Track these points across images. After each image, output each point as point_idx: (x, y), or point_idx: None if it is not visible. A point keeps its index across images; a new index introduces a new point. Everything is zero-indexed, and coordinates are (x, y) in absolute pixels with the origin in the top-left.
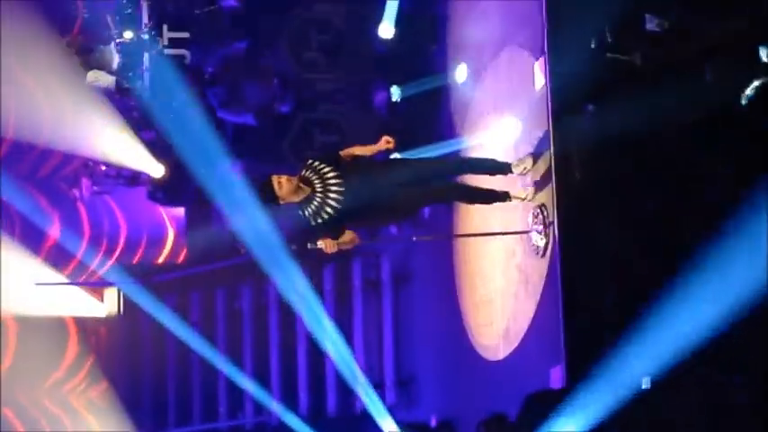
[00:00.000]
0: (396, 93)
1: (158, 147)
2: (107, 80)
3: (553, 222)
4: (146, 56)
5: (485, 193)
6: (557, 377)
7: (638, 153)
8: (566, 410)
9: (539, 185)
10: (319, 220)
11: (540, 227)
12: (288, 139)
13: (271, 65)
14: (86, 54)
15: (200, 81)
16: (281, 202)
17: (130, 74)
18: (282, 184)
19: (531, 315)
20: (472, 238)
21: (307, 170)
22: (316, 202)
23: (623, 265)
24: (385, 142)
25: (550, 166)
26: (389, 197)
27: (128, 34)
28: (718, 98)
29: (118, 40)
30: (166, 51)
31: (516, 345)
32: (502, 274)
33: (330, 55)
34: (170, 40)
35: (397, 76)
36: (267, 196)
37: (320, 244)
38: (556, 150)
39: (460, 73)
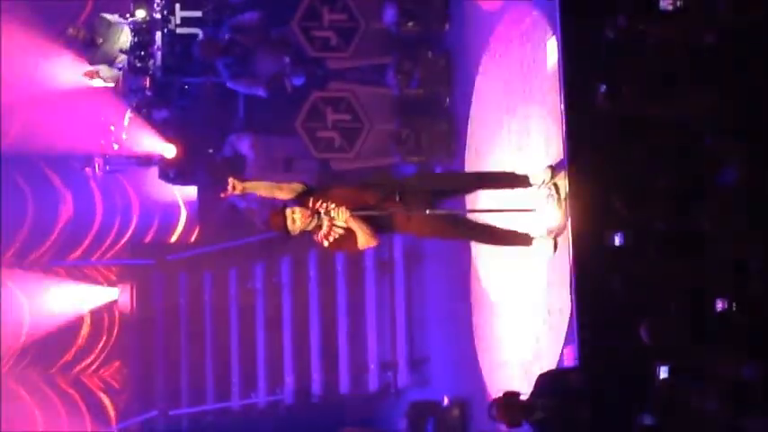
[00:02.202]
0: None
1: (171, 126)
2: (111, 75)
3: (566, 201)
4: (158, 35)
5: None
6: (570, 356)
7: (651, 133)
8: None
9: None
10: (331, 239)
11: (554, 205)
12: (300, 116)
13: (284, 35)
14: (90, 44)
15: (211, 51)
16: (294, 234)
17: (142, 53)
18: (296, 220)
19: (544, 294)
20: (485, 217)
21: (314, 201)
22: (325, 226)
23: (636, 242)
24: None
25: (563, 146)
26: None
27: (140, 13)
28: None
29: (130, 19)
30: (179, 30)
31: (528, 323)
32: (516, 252)
33: (342, 34)
34: (182, 19)
35: (408, 53)
36: (280, 228)
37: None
38: (568, 131)
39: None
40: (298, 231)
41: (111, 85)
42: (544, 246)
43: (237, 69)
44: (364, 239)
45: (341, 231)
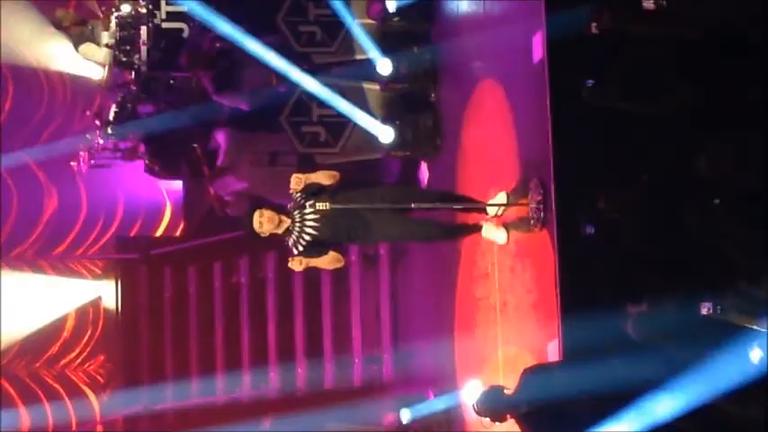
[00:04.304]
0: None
1: (156, 120)
2: (100, 54)
3: (551, 195)
4: (143, 29)
5: (460, 229)
6: (553, 351)
7: (636, 128)
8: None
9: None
10: (300, 248)
11: (539, 199)
12: (285, 111)
13: (268, 43)
14: (79, 27)
15: (197, 63)
16: (264, 236)
17: (128, 47)
18: (263, 223)
19: (528, 288)
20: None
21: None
22: (295, 234)
23: (620, 238)
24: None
25: (549, 140)
26: (367, 227)
27: (125, 7)
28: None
29: (116, 14)
30: (164, 25)
31: (513, 318)
32: (499, 247)
33: (328, 29)
34: (168, 13)
35: (394, 47)
36: (250, 231)
37: (290, 263)
38: (554, 125)
39: None
40: (267, 234)
41: (102, 65)
42: (497, 235)
43: (222, 83)
44: (329, 259)
45: (307, 240)
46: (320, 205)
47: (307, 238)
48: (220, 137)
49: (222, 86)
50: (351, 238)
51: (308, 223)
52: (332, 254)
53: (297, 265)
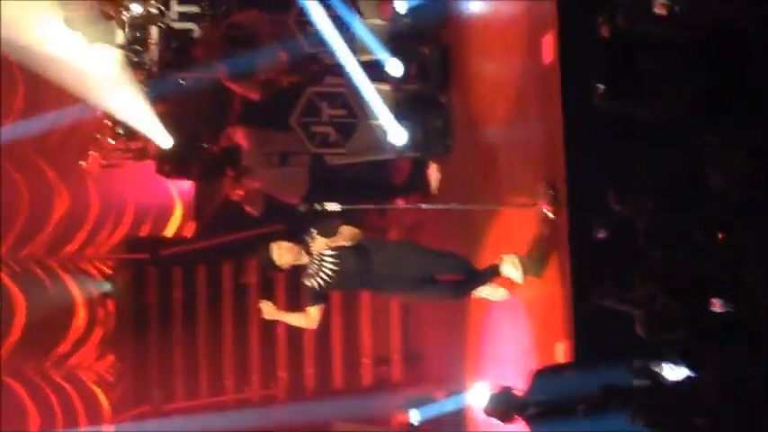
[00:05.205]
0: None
1: (166, 121)
2: (112, 55)
3: (562, 197)
4: (154, 30)
5: (472, 280)
6: (563, 352)
7: (648, 131)
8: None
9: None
10: (308, 284)
11: (550, 200)
12: (295, 112)
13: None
14: (90, 27)
15: (214, 51)
16: (282, 269)
17: (139, 47)
18: (282, 255)
19: (538, 288)
20: (481, 211)
21: (312, 240)
22: (311, 271)
23: (632, 240)
24: None
25: (560, 143)
26: (379, 283)
27: (136, 7)
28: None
29: (126, 14)
30: (175, 25)
31: (523, 318)
32: (509, 247)
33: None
34: (178, 14)
35: (404, 48)
36: (267, 262)
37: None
38: (566, 127)
39: None
40: (287, 266)
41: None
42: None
43: (236, 70)
44: (308, 318)
45: (320, 283)
46: (329, 206)
47: (320, 281)
48: (239, 136)
49: (235, 74)
50: (363, 286)
51: (328, 264)
52: (314, 311)
53: (265, 309)
